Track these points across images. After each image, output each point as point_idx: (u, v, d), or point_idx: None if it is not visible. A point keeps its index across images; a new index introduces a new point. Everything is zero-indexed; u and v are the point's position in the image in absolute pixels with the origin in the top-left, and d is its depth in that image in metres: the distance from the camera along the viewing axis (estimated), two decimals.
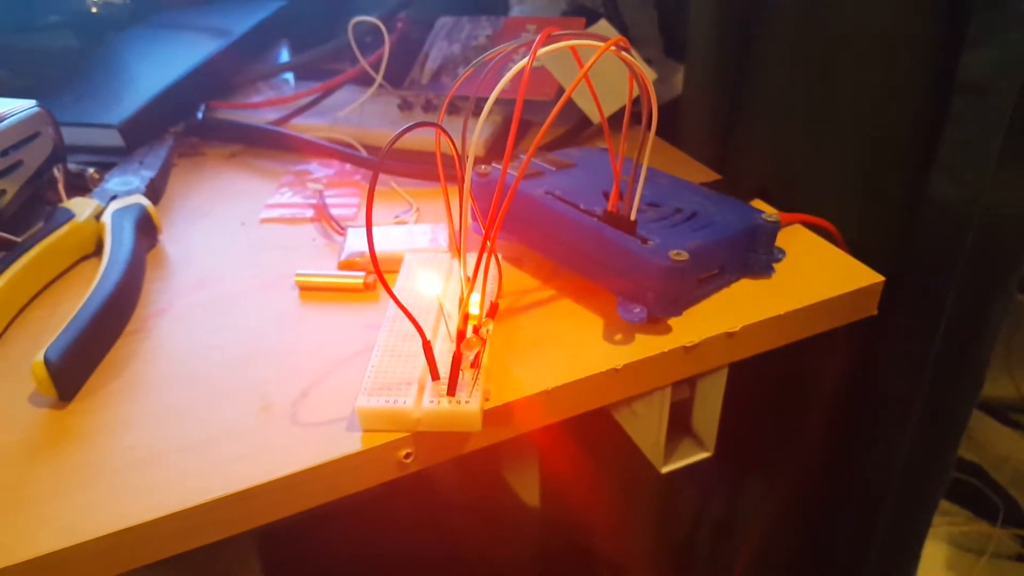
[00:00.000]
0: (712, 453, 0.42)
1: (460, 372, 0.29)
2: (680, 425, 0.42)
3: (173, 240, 0.44)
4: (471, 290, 0.28)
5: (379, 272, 0.27)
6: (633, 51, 0.30)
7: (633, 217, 0.34)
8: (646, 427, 0.40)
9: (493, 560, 0.73)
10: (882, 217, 0.42)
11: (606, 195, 0.38)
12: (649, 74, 0.52)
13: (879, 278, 0.38)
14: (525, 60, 0.25)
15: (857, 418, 0.48)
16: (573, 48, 0.27)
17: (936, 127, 0.38)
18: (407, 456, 0.30)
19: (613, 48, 0.27)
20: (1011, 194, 0.37)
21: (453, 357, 0.29)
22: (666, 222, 0.36)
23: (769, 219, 0.37)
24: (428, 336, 0.31)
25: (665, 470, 0.41)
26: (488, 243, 0.27)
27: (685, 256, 0.32)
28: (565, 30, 0.27)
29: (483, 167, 0.39)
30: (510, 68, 0.26)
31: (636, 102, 0.33)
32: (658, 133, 0.52)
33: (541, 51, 0.25)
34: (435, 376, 0.30)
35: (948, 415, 0.45)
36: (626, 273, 0.34)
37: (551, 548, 0.75)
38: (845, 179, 0.42)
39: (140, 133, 0.50)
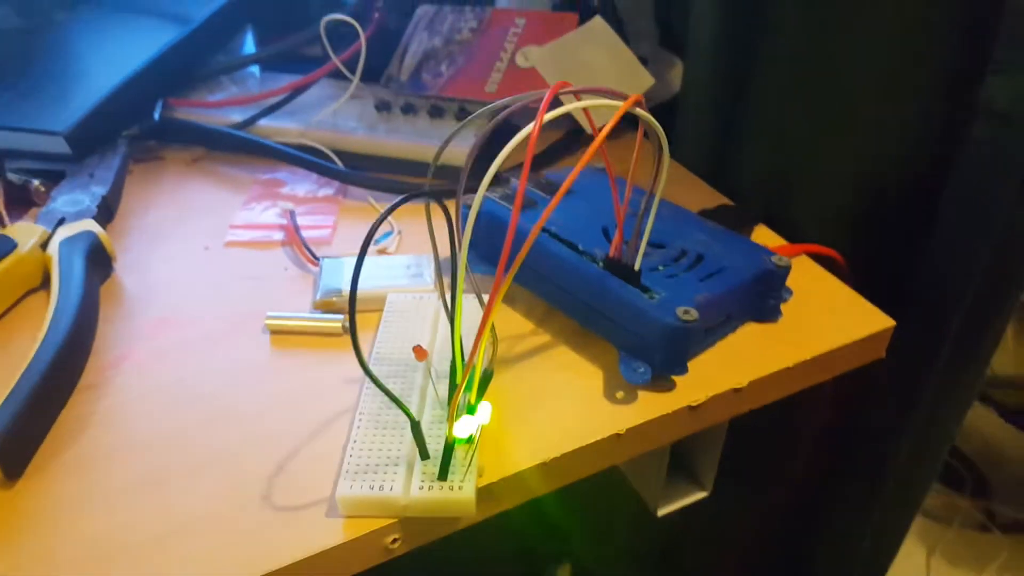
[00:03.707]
0: (709, 493, 0.40)
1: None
2: (678, 464, 0.40)
3: (129, 268, 0.40)
4: (456, 402, 0.25)
5: (359, 355, 0.24)
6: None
7: (637, 267, 0.31)
8: (644, 472, 0.38)
9: None
10: (887, 221, 0.40)
11: (606, 231, 0.35)
12: (646, 79, 0.49)
13: (890, 323, 0.36)
14: (531, 127, 0.22)
15: (854, 414, 0.48)
16: (586, 110, 0.23)
17: (946, 140, 0.36)
18: (394, 542, 0.27)
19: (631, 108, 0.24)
20: None
21: (445, 442, 0.26)
22: (672, 268, 0.34)
23: (780, 263, 0.34)
24: (415, 406, 0.29)
25: (662, 513, 0.39)
26: (484, 322, 0.24)
27: (694, 315, 0.30)
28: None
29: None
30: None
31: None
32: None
33: (547, 116, 0.22)
34: (424, 455, 0.27)
35: (947, 412, 0.47)
36: (629, 327, 0.31)
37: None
38: (852, 186, 0.41)
39: (90, 140, 0.46)
